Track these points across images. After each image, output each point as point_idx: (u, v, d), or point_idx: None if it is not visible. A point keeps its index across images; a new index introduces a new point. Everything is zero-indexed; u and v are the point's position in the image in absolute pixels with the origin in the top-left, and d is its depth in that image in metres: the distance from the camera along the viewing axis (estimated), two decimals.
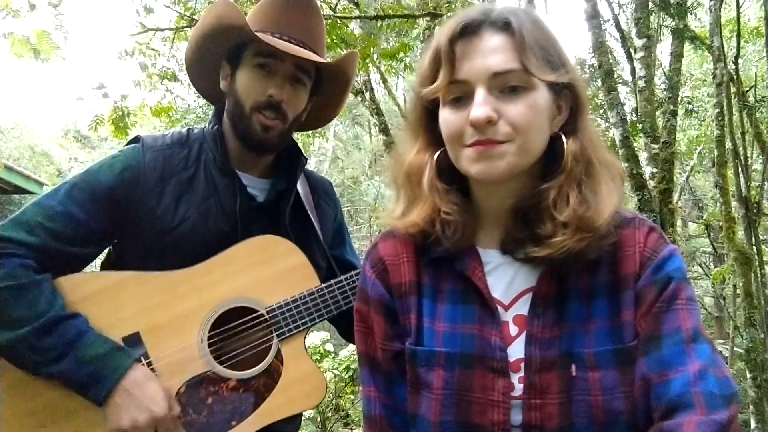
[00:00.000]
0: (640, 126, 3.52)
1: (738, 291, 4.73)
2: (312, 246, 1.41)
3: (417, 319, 0.93)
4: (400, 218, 0.94)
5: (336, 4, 4.37)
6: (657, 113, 3.61)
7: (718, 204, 4.31)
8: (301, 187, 1.46)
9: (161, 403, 1.19)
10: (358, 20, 4.63)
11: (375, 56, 4.57)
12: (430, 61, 0.87)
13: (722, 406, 0.78)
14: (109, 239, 1.34)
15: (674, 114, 3.62)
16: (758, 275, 3.92)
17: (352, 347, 5.38)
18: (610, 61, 3.55)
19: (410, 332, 0.93)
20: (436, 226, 0.90)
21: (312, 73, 1.38)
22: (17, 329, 1.15)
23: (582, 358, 0.85)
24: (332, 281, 1.33)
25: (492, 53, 0.83)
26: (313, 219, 1.46)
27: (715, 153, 4.06)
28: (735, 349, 5.51)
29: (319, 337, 5.32)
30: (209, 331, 1.28)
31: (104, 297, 1.25)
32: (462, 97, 0.85)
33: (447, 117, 0.87)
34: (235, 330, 1.29)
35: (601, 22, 3.50)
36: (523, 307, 0.89)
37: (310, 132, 6.93)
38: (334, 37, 3.97)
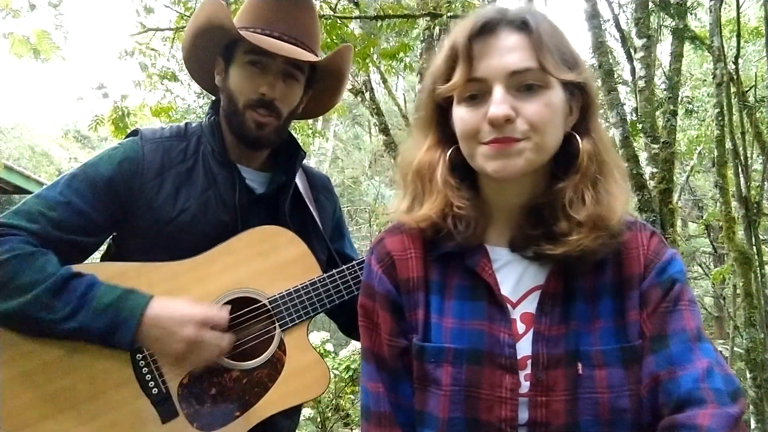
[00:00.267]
0: (640, 126, 3.52)
1: (738, 291, 4.72)
2: (312, 238, 1.41)
3: (424, 315, 0.92)
4: (407, 213, 0.94)
5: (336, 4, 4.39)
6: (657, 113, 3.61)
7: (718, 204, 4.31)
8: (299, 181, 1.46)
9: (196, 308, 1.20)
10: (358, 20, 4.64)
11: (375, 56, 4.58)
12: (445, 59, 0.88)
13: (732, 401, 0.80)
14: (109, 230, 1.34)
15: (674, 114, 3.62)
16: (758, 275, 3.91)
17: (352, 347, 5.37)
18: (610, 61, 3.55)
19: (416, 328, 0.93)
20: (447, 221, 0.90)
21: (305, 69, 1.37)
22: (27, 293, 1.14)
23: (588, 356, 0.86)
24: (334, 270, 1.33)
25: (510, 52, 0.84)
26: (312, 212, 1.46)
27: (715, 153, 4.06)
28: (735, 349, 5.51)
29: (319, 337, 5.29)
30: None
31: None
32: (477, 95, 0.86)
33: (463, 115, 0.87)
34: (237, 320, 1.29)
35: (601, 22, 3.50)
36: (530, 305, 0.90)
37: (310, 132, 6.95)
38: (334, 37, 3.97)
